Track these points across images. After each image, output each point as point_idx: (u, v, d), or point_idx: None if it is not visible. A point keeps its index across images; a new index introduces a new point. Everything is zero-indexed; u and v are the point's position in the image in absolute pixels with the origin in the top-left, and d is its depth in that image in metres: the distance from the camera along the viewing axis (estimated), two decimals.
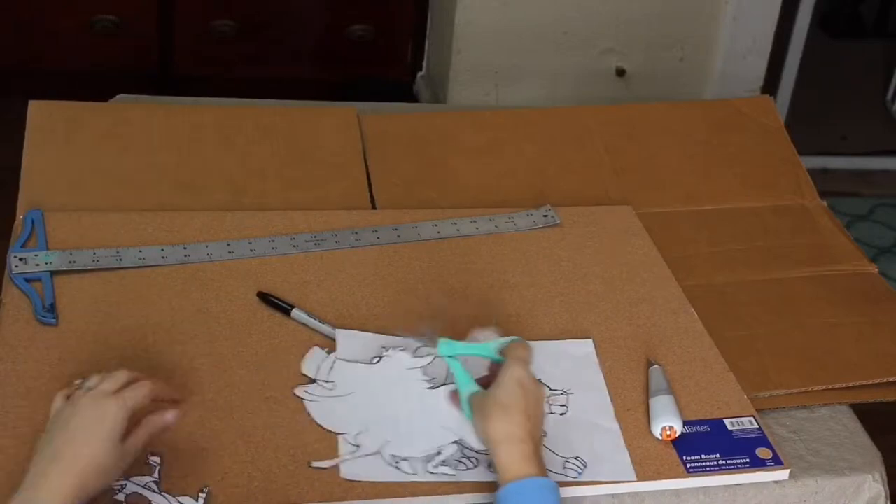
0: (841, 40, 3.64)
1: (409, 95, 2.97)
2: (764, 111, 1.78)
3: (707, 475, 1.15)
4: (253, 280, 1.33)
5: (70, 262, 1.32)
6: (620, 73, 2.72)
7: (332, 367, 1.21)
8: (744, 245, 1.54)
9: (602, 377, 1.25)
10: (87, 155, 1.52)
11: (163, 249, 1.36)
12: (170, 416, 1.06)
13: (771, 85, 2.89)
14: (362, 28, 2.89)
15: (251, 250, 1.39)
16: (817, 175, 1.69)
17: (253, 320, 1.28)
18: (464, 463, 1.12)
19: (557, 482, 1.07)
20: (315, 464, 1.11)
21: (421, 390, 1.20)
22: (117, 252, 1.35)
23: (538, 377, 1.15)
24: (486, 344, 1.15)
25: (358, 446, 1.13)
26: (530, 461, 1.04)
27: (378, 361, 1.23)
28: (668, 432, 1.17)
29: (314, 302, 1.31)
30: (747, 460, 1.17)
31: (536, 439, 1.07)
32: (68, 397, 1.04)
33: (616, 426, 1.19)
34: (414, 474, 1.11)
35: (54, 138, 1.53)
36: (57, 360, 1.18)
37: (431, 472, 1.12)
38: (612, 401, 1.22)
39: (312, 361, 1.23)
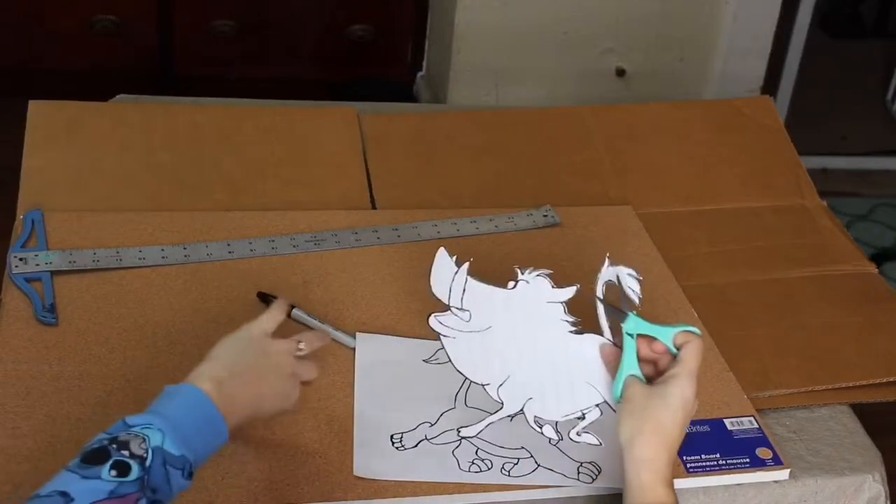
0: (841, 40, 3.64)
1: (409, 95, 2.97)
2: (764, 111, 1.78)
3: (707, 475, 1.15)
4: (253, 280, 1.33)
5: (70, 262, 1.32)
6: (620, 73, 2.72)
7: (464, 290, 1.13)
8: (744, 245, 1.54)
9: (625, 279, 1.15)
10: (87, 155, 1.52)
11: (163, 249, 1.36)
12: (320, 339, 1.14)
13: (771, 85, 2.89)
14: (362, 28, 2.89)
15: (251, 250, 1.39)
16: (817, 175, 1.69)
17: (253, 320, 1.28)
18: (477, 465, 1.12)
19: (569, 487, 1.09)
20: (463, 431, 1.13)
21: (563, 333, 1.12)
22: (117, 252, 1.35)
23: None
24: (667, 329, 1.07)
25: (502, 404, 1.12)
26: (670, 486, 1.00)
27: (514, 287, 1.12)
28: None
29: (314, 302, 1.31)
30: (747, 460, 1.17)
31: (674, 459, 1.03)
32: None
33: None
34: (486, 469, 1.11)
35: (54, 138, 1.53)
36: (57, 360, 1.18)
37: (575, 441, 1.12)
38: (623, 324, 1.15)
39: (443, 275, 1.14)
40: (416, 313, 1.29)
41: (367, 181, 1.56)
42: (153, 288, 1.31)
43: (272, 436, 1.13)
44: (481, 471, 1.12)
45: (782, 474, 1.17)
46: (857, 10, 3.77)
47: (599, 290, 1.11)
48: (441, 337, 1.15)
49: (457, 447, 1.14)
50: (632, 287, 1.10)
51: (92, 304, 1.27)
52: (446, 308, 1.15)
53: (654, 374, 1.07)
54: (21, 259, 1.31)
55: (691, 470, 1.15)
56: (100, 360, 1.19)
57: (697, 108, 1.86)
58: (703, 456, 1.17)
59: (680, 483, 1.14)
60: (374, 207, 1.52)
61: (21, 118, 1.54)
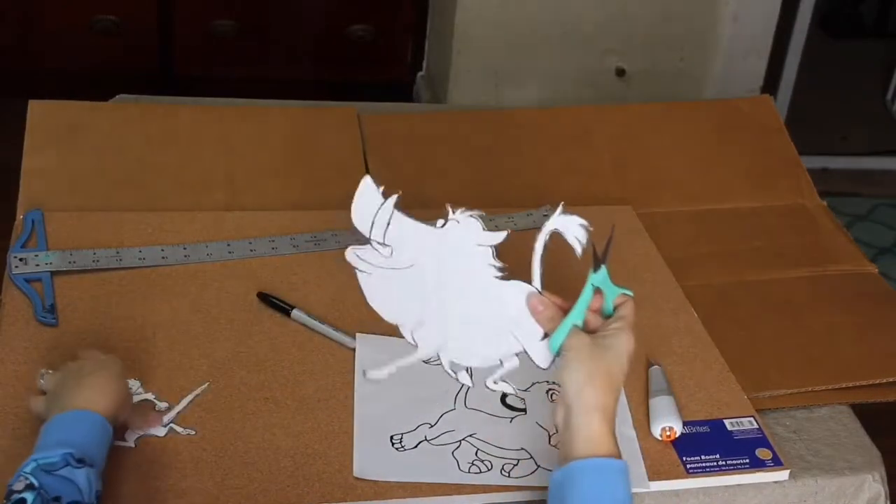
0: (841, 40, 3.64)
1: (409, 95, 2.97)
2: (764, 111, 1.78)
3: (707, 475, 1.15)
4: (253, 280, 1.33)
5: (70, 262, 1.32)
6: (620, 73, 2.72)
7: (388, 224, 1.08)
8: (744, 245, 1.54)
9: (610, 236, 1.15)
10: (87, 155, 1.52)
11: (163, 249, 1.36)
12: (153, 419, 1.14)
13: (771, 85, 2.88)
14: (362, 28, 2.89)
15: (251, 250, 1.39)
16: (817, 175, 1.69)
17: (253, 320, 1.28)
18: (477, 466, 1.12)
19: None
20: (370, 373, 1.14)
21: (489, 278, 1.08)
22: (117, 252, 1.35)
23: (552, 381, 1.17)
24: (616, 288, 1.07)
25: (415, 346, 1.11)
26: (614, 440, 1.00)
27: (444, 225, 1.09)
28: (668, 433, 1.17)
29: (314, 302, 1.31)
30: (747, 461, 1.17)
31: (615, 413, 1.02)
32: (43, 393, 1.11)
33: (633, 433, 1.18)
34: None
35: (54, 138, 1.53)
36: (57, 361, 1.18)
37: (491, 388, 1.13)
38: (630, 409, 1.21)
39: (366, 206, 1.09)
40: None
41: None
42: (153, 288, 1.31)
43: (272, 437, 1.13)
44: (481, 472, 1.11)
45: (782, 475, 1.17)
46: (857, 10, 3.77)
47: (542, 238, 1.07)
48: (356, 271, 1.09)
49: (456, 448, 1.14)
50: (578, 237, 1.07)
51: (92, 304, 1.27)
52: (366, 241, 1.09)
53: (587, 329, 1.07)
54: (21, 259, 1.31)
55: (691, 470, 1.15)
56: None
57: (697, 108, 1.86)
58: (702, 456, 1.17)
59: (680, 483, 1.14)
60: None
61: (21, 118, 1.54)
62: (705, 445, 1.18)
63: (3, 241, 1.38)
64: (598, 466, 0.97)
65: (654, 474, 1.14)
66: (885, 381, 1.32)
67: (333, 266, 1.38)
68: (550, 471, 1.10)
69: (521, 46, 2.64)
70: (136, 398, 1.15)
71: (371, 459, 1.12)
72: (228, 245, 1.39)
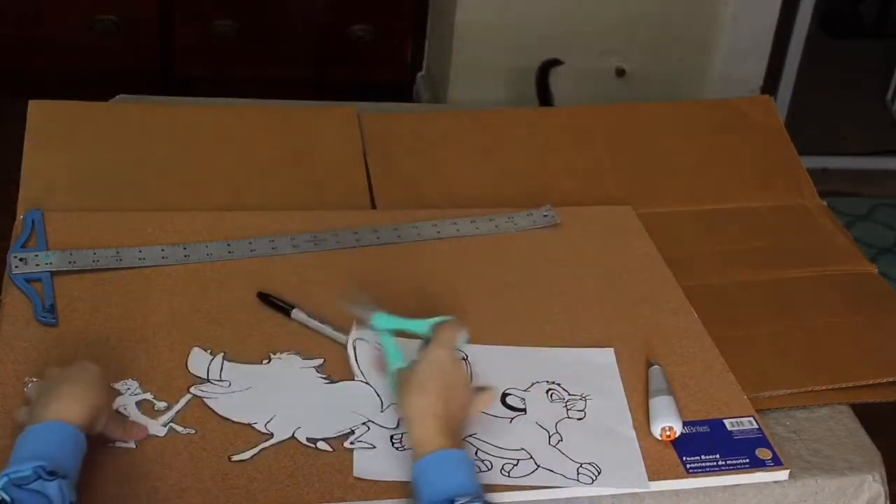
0: (841, 40, 3.64)
1: (409, 95, 2.97)
2: (764, 111, 1.78)
3: (707, 475, 1.15)
4: (253, 280, 1.33)
5: (70, 262, 1.32)
6: (620, 73, 2.72)
7: (221, 368, 1.21)
8: (744, 245, 1.54)
9: (622, 386, 1.24)
10: (87, 155, 1.52)
11: (163, 249, 1.36)
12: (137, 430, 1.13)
13: (771, 85, 2.89)
14: (362, 28, 2.89)
15: (251, 250, 1.39)
16: (817, 175, 1.69)
17: (253, 320, 1.28)
18: (476, 465, 1.11)
19: (568, 488, 1.10)
20: (235, 457, 1.11)
21: (319, 385, 1.21)
22: (117, 252, 1.35)
23: (558, 382, 1.21)
24: (421, 322, 1.17)
25: (272, 434, 1.13)
26: (443, 434, 1.05)
27: (268, 363, 1.22)
28: (668, 433, 1.17)
29: (314, 302, 1.31)
30: (747, 461, 1.17)
31: (452, 418, 1.08)
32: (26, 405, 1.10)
33: (633, 434, 1.18)
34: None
35: (54, 138, 1.53)
36: (57, 361, 1.18)
37: (349, 448, 1.13)
38: (630, 409, 1.21)
39: (197, 363, 1.21)
40: (416, 313, 1.29)
41: (367, 181, 1.56)
42: (153, 288, 1.31)
43: (272, 437, 1.13)
44: (481, 471, 1.11)
45: (782, 475, 1.17)
46: (857, 10, 3.77)
47: (350, 345, 1.22)
48: (203, 399, 1.17)
49: None
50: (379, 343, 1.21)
51: (92, 304, 1.27)
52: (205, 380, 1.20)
53: None
54: (21, 259, 1.31)
55: (691, 470, 1.15)
56: (100, 360, 1.19)
57: (697, 108, 1.86)
58: (702, 456, 1.17)
59: (680, 483, 1.14)
60: (374, 207, 1.52)
61: (21, 118, 1.54)
62: (705, 445, 1.18)
63: (3, 241, 1.38)
64: (428, 463, 1.04)
65: (654, 474, 1.14)
66: (885, 381, 1.32)
67: (333, 266, 1.38)
68: (551, 471, 1.12)
69: (521, 46, 2.64)
70: (135, 398, 1.15)
71: (371, 459, 1.12)
72: (228, 245, 1.39)
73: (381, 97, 2.07)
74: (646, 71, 2.72)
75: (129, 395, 1.16)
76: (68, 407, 1.03)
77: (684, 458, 1.16)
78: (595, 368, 1.26)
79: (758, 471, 1.17)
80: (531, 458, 1.14)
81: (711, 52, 2.73)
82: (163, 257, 1.35)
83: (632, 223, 1.53)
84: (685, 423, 1.19)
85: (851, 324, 1.41)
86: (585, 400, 1.22)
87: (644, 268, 1.44)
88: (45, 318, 1.23)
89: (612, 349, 1.29)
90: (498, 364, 1.25)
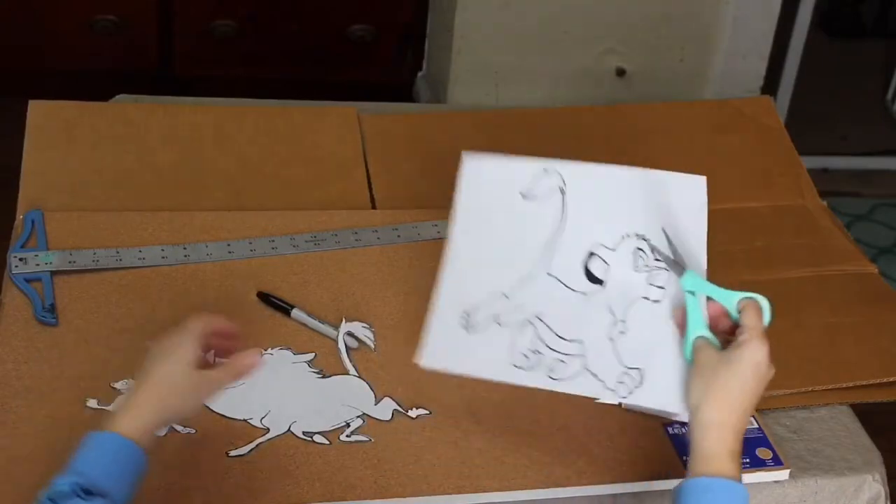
0: (841, 40, 3.64)
1: (409, 95, 2.97)
2: (764, 111, 1.78)
3: None
4: (253, 280, 1.33)
5: (70, 262, 1.32)
6: (620, 73, 2.72)
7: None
8: (744, 245, 1.54)
9: (705, 239, 1.13)
10: (87, 155, 1.52)
11: (163, 249, 1.36)
12: (248, 362, 1.07)
13: (771, 85, 2.88)
14: (362, 28, 2.89)
15: (251, 250, 1.39)
16: (817, 175, 1.69)
17: (253, 320, 1.28)
18: (528, 358, 1.10)
19: (600, 399, 1.10)
20: (233, 452, 1.11)
21: (313, 380, 1.21)
22: (117, 252, 1.35)
23: (648, 238, 1.11)
24: (729, 293, 1.07)
25: (268, 429, 1.13)
26: (735, 460, 0.99)
27: (262, 356, 1.18)
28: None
29: (314, 302, 1.31)
30: (747, 460, 1.17)
31: (744, 431, 1.02)
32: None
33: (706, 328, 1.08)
34: None
35: (54, 138, 1.53)
36: (57, 360, 1.19)
37: (345, 441, 1.13)
38: (679, 280, 1.10)
39: None
40: (416, 313, 1.29)
41: (367, 181, 1.56)
42: (153, 288, 1.31)
43: (268, 432, 1.13)
44: (527, 367, 1.09)
45: (782, 474, 1.17)
46: (857, 10, 3.77)
47: (341, 339, 1.24)
48: None
49: (518, 332, 1.11)
50: (367, 336, 1.26)
51: (92, 304, 1.27)
52: None
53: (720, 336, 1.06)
54: (21, 259, 1.31)
55: None
56: (100, 360, 1.19)
57: (697, 108, 1.86)
58: None
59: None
60: (374, 207, 1.52)
61: (21, 118, 1.54)
62: None
63: (3, 241, 1.38)
64: (707, 486, 0.98)
65: (654, 474, 1.14)
66: (885, 381, 1.32)
67: (333, 266, 1.38)
68: (595, 376, 1.10)
69: (521, 46, 2.64)
70: None
71: (441, 343, 1.10)
72: (228, 245, 1.39)
73: (381, 97, 2.07)
74: (646, 71, 2.72)
75: None
76: (129, 421, 0.97)
77: (684, 458, 1.16)
78: (686, 209, 1.14)
79: (758, 470, 1.17)
80: (583, 355, 1.11)
81: (712, 52, 2.73)
82: (163, 257, 1.35)
83: None
84: (685, 424, 1.19)
85: (851, 324, 1.41)
86: (669, 271, 1.12)
87: None
88: (44, 317, 1.24)
89: (704, 177, 1.15)
90: (594, 199, 1.15)
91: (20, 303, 1.26)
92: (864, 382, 1.31)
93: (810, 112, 3.08)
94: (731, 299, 1.07)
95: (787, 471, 1.17)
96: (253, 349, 1.08)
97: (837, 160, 3.07)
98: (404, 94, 2.96)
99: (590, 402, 1.21)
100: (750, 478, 1.16)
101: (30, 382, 1.15)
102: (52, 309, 1.25)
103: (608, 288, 1.13)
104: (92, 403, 1.14)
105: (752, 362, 1.02)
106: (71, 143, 1.53)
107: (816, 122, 3.11)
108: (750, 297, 1.06)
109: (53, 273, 1.30)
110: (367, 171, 1.57)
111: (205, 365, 1.05)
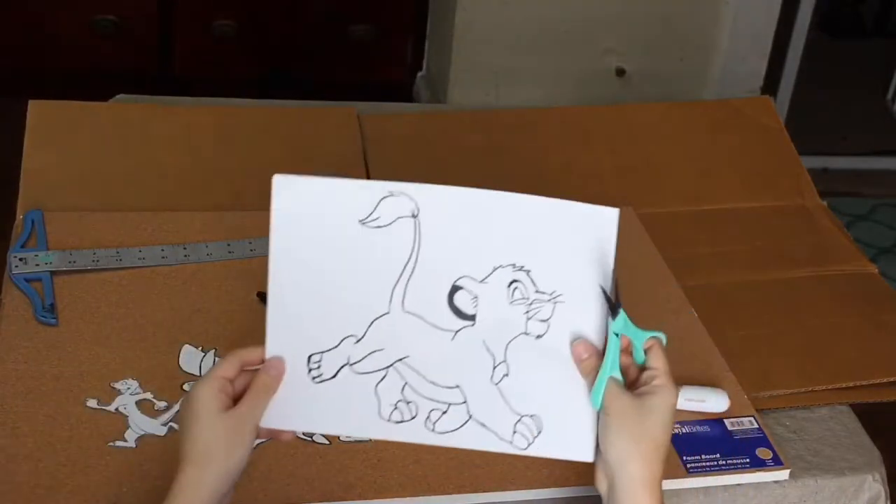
0: (841, 40, 3.64)
1: (409, 95, 2.97)
2: (764, 111, 1.78)
3: (707, 475, 1.15)
4: (253, 280, 1.33)
5: (70, 262, 1.32)
6: (620, 73, 2.72)
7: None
8: (744, 245, 1.54)
9: (612, 276, 0.98)
10: (87, 155, 1.52)
11: (163, 249, 1.36)
12: (271, 374, 0.96)
13: (771, 85, 2.89)
14: (362, 28, 2.89)
15: (251, 250, 1.39)
16: (817, 175, 1.69)
17: (253, 320, 1.28)
18: (400, 410, 0.99)
19: (500, 452, 0.98)
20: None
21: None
22: (117, 252, 1.35)
23: (528, 269, 0.98)
24: (642, 332, 0.98)
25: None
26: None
27: None
28: None
29: None
30: (747, 460, 1.17)
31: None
32: None
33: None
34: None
35: (54, 138, 1.53)
36: (57, 360, 1.18)
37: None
38: (611, 322, 0.97)
39: (189, 360, 1.20)
40: None
41: None
42: (153, 288, 1.31)
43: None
44: (403, 420, 0.98)
45: (782, 474, 1.17)
46: (857, 10, 3.77)
47: None
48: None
49: (382, 380, 0.98)
50: None
51: (92, 304, 1.27)
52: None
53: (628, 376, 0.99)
54: (21, 259, 1.31)
55: (691, 470, 1.15)
56: (100, 360, 1.19)
57: (697, 108, 1.86)
58: (703, 456, 1.17)
59: (680, 483, 1.14)
60: None
61: (21, 118, 1.54)
62: (705, 445, 1.18)
63: (3, 241, 1.38)
64: None
65: None
66: (885, 381, 1.32)
67: None
68: (483, 426, 0.98)
69: (521, 46, 2.64)
70: (135, 398, 1.15)
71: (285, 397, 0.96)
72: (228, 245, 1.39)
73: (381, 97, 2.07)
74: (646, 71, 2.72)
75: (129, 395, 1.16)
76: (186, 487, 0.90)
77: (685, 458, 1.16)
78: (584, 245, 1.00)
79: (758, 470, 1.17)
80: (465, 402, 0.98)
81: (712, 52, 2.73)
82: (163, 257, 1.35)
83: (632, 223, 1.53)
84: (685, 424, 1.19)
85: (851, 324, 1.41)
86: (555, 303, 0.98)
87: (644, 268, 1.44)
88: (44, 317, 1.23)
89: (616, 210, 1.01)
90: (455, 226, 0.98)
91: (20, 303, 1.26)
92: (864, 382, 1.31)
93: (810, 112, 3.08)
94: (640, 338, 0.98)
95: (787, 471, 1.17)
96: (268, 358, 0.97)
97: (837, 160, 3.07)
98: (404, 94, 2.96)
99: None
100: (750, 478, 1.16)
101: (30, 382, 1.15)
102: (52, 309, 1.25)
103: (480, 324, 0.98)
104: (92, 403, 1.14)
105: (670, 407, 0.95)
106: (71, 143, 1.53)
107: (816, 122, 3.11)
108: (654, 336, 0.99)
109: (53, 273, 1.30)
110: (367, 171, 1.57)
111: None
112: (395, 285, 0.97)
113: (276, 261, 0.97)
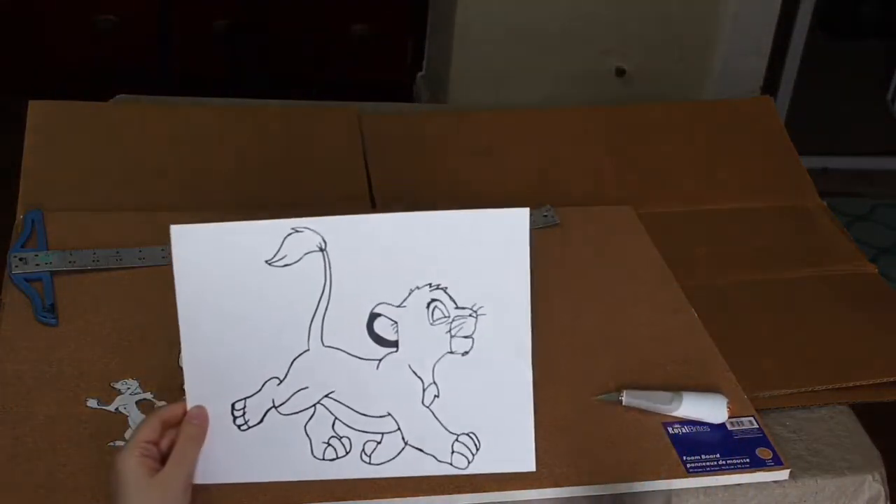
0: (841, 40, 3.64)
1: (409, 95, 2.97)
2: (764, 111, 1.78)
3: (707, 475, 1.15)
4: None
5: (70, 262, 1.32)
6: (620, 73, 2.72)
7: None
8: (744, 245, 1.54)
9: (528, 278, 0.97)
10: (87, 155, 1.52)
11: (163, 249, 1.36)
12: (194, 424, 0.95)
13: (771, 85, 2.89)
14: (362, 28, 2.89)
15: None
16: (817, 175, 1.69)
17: None
18: (333, 447, 0.99)
19: (441, 475, 0.96)
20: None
21: None
22: (117, 252, 1.35)
23: (444, 286, 0.96)
24: None
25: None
26: None
27: None
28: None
29: None
30: (747, 460, 1.17)
31: None
32: None
33: (529, 375, 0.97)
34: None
35: (54, 138, 1.53)
36: (57, 360, 1.18)
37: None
38: (534, 326, 0.96)
39: None
40: None
41: (367, 181, 1.56)
42: (153, 288, 1.31)
43: None
44: (338, 456, 0.98)
45: (782, 474, 1.17)
46: (857, 10, 3.78)
47: None
48: None
49: (310, 418, 0.97)
50: None
51: (92, 304, 1.27)
52: None
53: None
54: (21, 259, 1.31)
55: (691, 470, 1.15)
56: (100, 360, 1.19)
57: (697, 108, 1.86)
58: (703, 456, 1.17)
59: (680, 483, 1.14)
60: (374, 207, 1.52)
61: (21, 118, 1.54)
62: (705, 445, 1.18)
63: (3, 241, 1.38)
64: None
65: (654, 474, 1.14)
66: (885, 381, 1.32)
67: None
68: (420, 451, 0.98)
69: (521, 46, 2.64)
70: (135, 398, 1.15)
71: (213, 450, 0.95)
72: None
73: (381, 97, 2.07)
74: (646, 71, 2.72)
75: (129, 395, 1.16)
76: None
77: (684, 458, 1.16)
78: (496, 251, 0.97)
79: (758, 470, 1.17)
80: (398, 429, 0.98)
81: (712, 52, 2.73)
82: (163, 257, 1.35)
83: (632, 223, 1.53)
84: (685, 423, 1.19)
85: (851, 324, 1.41)
86: (476, 316, 0.97)
87: (644, 268, 1.44)
88: (45, 317, 1.23)
89: (526, 209, 0.98)
90: (366, 254, 0.96)
91: (20, 303, 1.26)
92: (864, 382, 1.31)
93: (810, 112, 3.08)
94: None
95: (787, 471, 1.17)
96: (190, 409, 0.95)
97: (837, 160, 3.07)
98: (404, 94, 2.96)
99: (590, 401, 1.21)
100: (750, 478, 1.16)
101: (30, 382, 1.15)
102: (52, 309, 1.25)
103: (404, 349, 0.97)
104: (92, 403, 1.14)
105: None
106: (71, 143, 1.53)
107: (816, 122, 3.11)
108: None
109: (53, 273, 1.30)
110: (367, 171, 1.57)
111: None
112: (312, 321, 0.96)
113: (184, 312, 0.95)
